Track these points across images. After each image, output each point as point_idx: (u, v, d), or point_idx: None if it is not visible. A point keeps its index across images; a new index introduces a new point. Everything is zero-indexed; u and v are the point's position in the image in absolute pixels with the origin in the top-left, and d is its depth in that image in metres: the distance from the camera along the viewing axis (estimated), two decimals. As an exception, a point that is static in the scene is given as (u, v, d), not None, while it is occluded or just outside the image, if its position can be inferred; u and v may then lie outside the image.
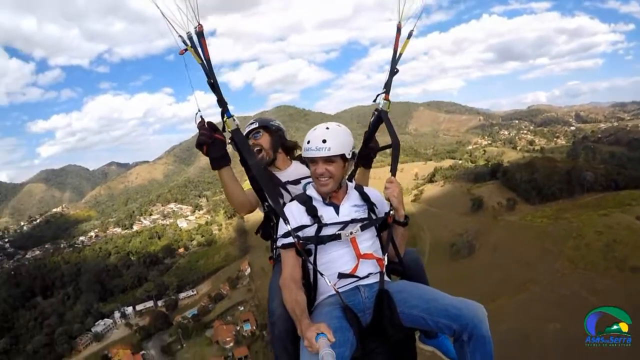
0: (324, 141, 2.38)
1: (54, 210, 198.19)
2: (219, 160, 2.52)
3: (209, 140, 2.44)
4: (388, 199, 2.51)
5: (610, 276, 50.35)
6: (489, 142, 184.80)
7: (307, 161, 2.52)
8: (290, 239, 2.37)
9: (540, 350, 39.27)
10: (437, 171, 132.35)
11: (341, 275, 2.37)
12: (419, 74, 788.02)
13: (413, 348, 2.58)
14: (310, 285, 2.43)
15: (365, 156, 3.07)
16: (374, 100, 2.96)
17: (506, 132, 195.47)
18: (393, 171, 2.60)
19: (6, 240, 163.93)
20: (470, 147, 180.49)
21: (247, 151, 2.63)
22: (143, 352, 71.09)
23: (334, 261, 2.41)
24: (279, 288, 2.36)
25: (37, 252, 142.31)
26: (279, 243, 2.46)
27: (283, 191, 2.90)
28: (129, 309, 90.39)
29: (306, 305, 2.20)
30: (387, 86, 2.93)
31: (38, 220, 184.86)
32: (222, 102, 2.53)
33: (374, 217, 2.54)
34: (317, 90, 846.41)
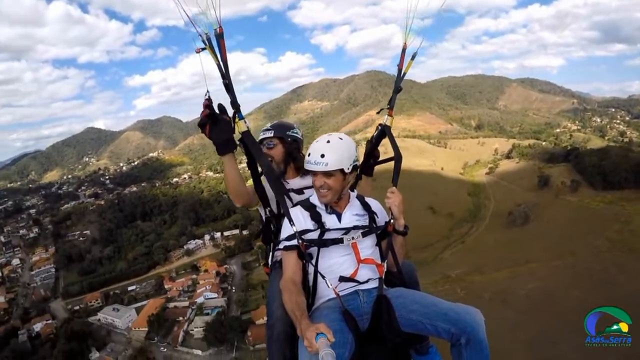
0: (322, 156, 2.40)
1: (150, 154, 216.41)
2: (224, 145, 2.47)
3: (211, 120, 2.41)
4: (389, 208, 2.55)
5: (645, 262, 53.17)
6: (579, 127, 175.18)
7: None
8: (293, 242, 2.39)
9: (558, 308, 44.76)
10: (515, 148, 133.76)
11: (342, 279, 2.39)
12: (517, 47, 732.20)
13: (409, 355, 2.57)
14: (309, 290, 2.42)
15: (368, 166, 3.12)
16: (378, 113, 3.13)
17: (599, 120, 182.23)
18: (394, 182, 2.70)
19: (106, 177, 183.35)
20: (557, 130, 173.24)
21: (257, 152, 2.63)
22: (226, 266, 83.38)
23: (334, 265, 2.43)
24: (279, 292, 2.35)
25: (135, 189, 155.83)
26: (282, 245, 2.46)
27: (285, 198, 2.68)
28: (218, 234, 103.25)
29: (306, 308, 2.20)
30: (391, 103, 3.08)
31: (135, 162, 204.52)
32: (235, 104, 2.55)
33: (374, 225, 2.55)
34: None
